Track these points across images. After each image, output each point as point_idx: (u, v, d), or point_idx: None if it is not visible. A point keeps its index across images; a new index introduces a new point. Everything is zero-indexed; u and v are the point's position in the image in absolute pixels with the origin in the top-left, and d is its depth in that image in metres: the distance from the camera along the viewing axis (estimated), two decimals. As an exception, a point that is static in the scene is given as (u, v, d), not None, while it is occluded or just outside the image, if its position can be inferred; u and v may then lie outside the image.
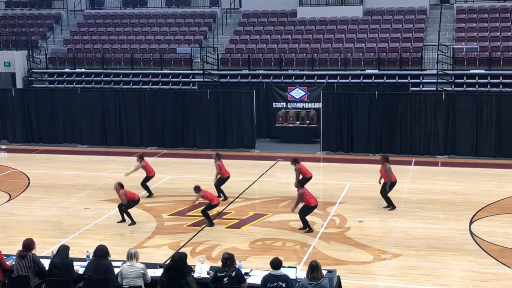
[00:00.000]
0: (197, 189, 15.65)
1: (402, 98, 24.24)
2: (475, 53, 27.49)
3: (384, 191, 17.06)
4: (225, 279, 10.00)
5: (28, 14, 37.09)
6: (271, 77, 28.73)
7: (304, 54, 29.20)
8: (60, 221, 16.53)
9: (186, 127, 25.91)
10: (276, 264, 9.89)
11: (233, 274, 10.04)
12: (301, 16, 32.52)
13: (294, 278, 10.42)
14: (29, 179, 21.11)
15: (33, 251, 10.75)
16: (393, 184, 17.03)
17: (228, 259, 10.17)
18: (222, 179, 18.25)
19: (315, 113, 26.34)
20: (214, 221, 16.11)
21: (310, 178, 17.97)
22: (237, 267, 10.31)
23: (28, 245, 10.71)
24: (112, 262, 10.66)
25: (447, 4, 32.74)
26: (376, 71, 27.92)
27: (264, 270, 10.60)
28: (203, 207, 16.01)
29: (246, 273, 10.79)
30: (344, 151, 24.67)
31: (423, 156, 23.84)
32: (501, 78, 26.75)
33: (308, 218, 15.52)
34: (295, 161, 17.88)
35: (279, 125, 26.84)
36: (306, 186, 15.72)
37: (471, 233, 15.15)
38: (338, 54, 28.84)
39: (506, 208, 17.21)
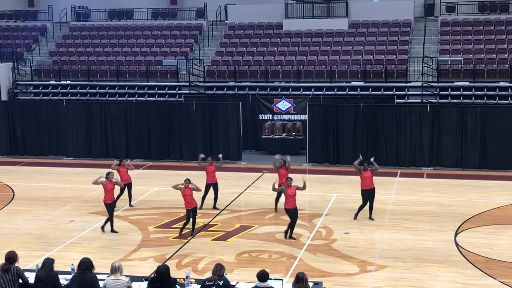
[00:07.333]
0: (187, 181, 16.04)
1: (388, 110, 24.39)
2: (460, 65, 27.72)
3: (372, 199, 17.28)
4: (212, 288, 9.95)
5: (13, 26, 36.93)
6: (257, 89, 28.78)
7: (290, 66, 29.30)
8: (45, 234, 16.39)
9: (172, 139, 25.87)
10: (262, 276, 9.86)
11: (221, 283, 10.00)
12: (287, 28, 32.66)
13: (281, 290, 10.40)
14: (13, 192, 20.94)
15: (16, 264, 10.63)
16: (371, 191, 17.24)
17: (219, 265, 10.15)
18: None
19: (301, 125, 26.41)
20: (200, 233, 16.11)
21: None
22: (225, 277, 10.27)
23: (11, 258, 10.57)
24: (97, 275, 10.58)
25: (432, 17, 33.00)
26: (361, 83, 28.07)
27: (251, 283, 10.56)
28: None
29: (233, 286, 10.76)
30: (330, 163, 24.74)
31: (408, 167, 23.94)
32: (485, 90, 26.95)
33: (295, 230, 15.67)
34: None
35: (265, 137, 26.87)
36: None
37: (457, 244, 15.21)
38: (323, 66, 28.97)
39: (491, 219, 17.30)
